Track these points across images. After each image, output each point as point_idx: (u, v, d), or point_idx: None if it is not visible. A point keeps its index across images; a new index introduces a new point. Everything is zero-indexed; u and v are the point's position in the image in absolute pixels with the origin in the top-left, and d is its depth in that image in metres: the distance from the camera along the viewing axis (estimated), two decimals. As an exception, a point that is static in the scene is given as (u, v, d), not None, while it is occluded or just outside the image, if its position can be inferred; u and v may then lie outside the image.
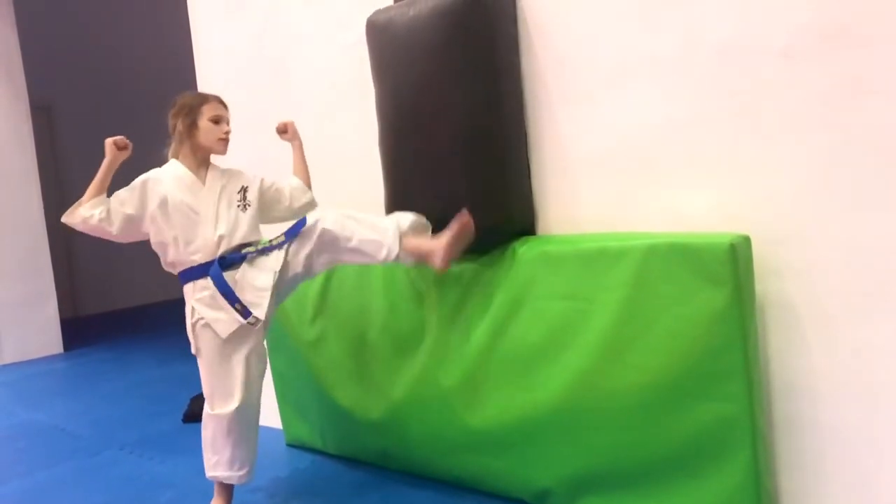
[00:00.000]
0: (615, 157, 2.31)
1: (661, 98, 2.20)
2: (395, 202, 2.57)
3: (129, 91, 8.10)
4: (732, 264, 1.91)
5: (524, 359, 2.34)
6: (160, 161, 2.54)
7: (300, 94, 3.16)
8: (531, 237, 2.45)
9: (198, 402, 3.86)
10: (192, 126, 2.44)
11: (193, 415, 3.77)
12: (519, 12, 2.45)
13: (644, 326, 2.07)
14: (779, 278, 2.01)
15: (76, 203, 2.42)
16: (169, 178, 2.45)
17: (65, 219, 2.43)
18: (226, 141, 2.49)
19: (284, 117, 2.76)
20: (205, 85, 3.55)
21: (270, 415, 3.44)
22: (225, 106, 2.52)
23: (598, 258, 2.17)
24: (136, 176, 2.51)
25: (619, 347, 2.12)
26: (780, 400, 2.05)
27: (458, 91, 2.36)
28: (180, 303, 2.70)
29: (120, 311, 7.90)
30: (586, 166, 2.38)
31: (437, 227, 2.39)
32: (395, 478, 2.78)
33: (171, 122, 2.47)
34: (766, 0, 1.98)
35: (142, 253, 8.18)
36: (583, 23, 2.32)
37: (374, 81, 2.58)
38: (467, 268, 2.50)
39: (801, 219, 1.98)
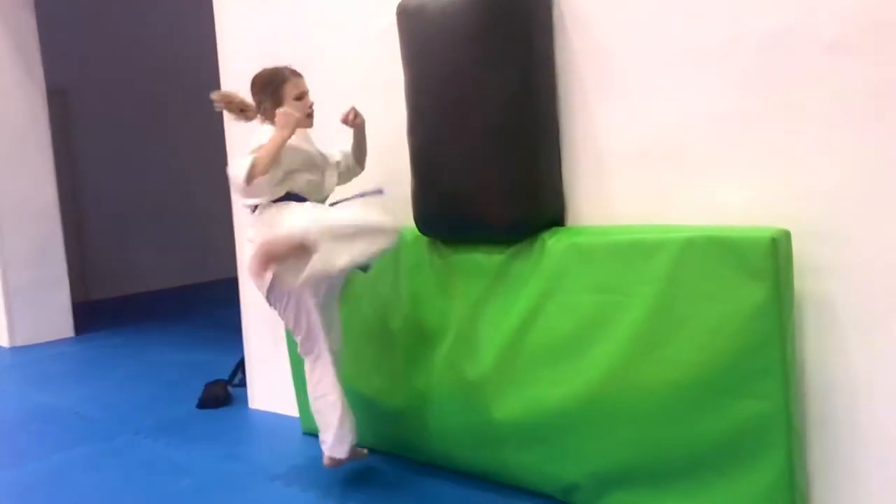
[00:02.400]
0: (651, 150, 2.28)
1: (701, 91, 2.16)
2: (423, 191, 2.54)
3: (146, 77, 8.07)
4: (773, 259, 1.88)
5: (553, 352, 2.31)
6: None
7: (327, 82, 3.10)
8: (560, 228, 2.42)
9: (212, 388, 3.85)
10: (279, 107, 2.47)
11: (208, 401, 3.76)
12: (554, 0, 2.41)
13: (680, 321, 2.04)
14: (818, 276, 1.98)
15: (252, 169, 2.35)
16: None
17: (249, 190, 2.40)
18: (312, 115, 2.59)
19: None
20: (229, 73, 3.51)
21: (287, 403, 3.43)
22: (301, 76, 2.58)
23: (632, 250, 2.14)
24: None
25: (654, 342, 2.09)
26: (815, 399, 2.02)
27: (491, 79, 2.33)
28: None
29: (131, 297, 7.88)
30: (620, 159, 2.35)
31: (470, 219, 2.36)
32: (415, 468, 2.76)
33: (254, 98, 2.57)
34: (813, -9, 1.94)
35: (153, 238, 8.23)
36: (621, 12, 2.28)
37: (405, 68, 2.55)
38: (495, 259, 2.47)
39: (843, 216, 1.95)
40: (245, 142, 2.55)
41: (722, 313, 1.96)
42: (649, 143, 2.28)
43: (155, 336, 5.74)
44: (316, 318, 2.54)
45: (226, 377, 4.03)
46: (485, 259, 2.50)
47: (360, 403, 2.84)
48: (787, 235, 1.93)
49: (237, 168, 2.35)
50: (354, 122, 2.69)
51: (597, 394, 2.20)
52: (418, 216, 2.59)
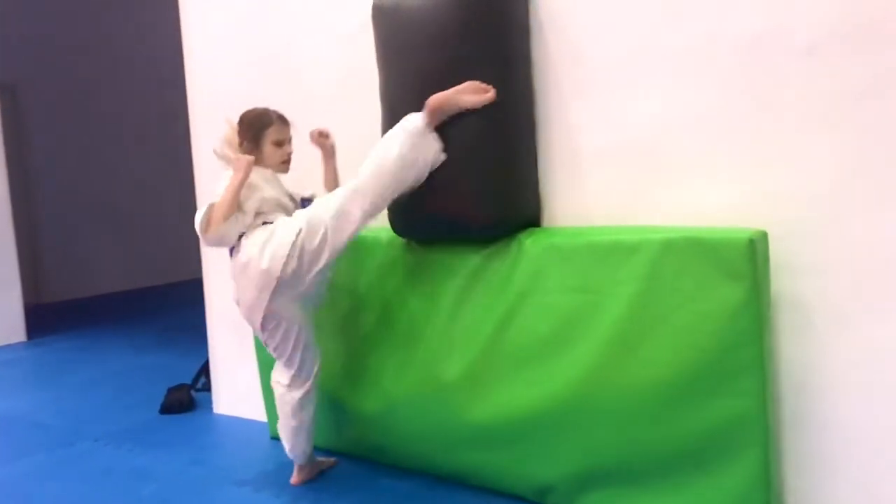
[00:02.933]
0: (628, 151, 2.29)
1: (678, 92, 2.18)
2: (398, 190, 2.51)
3: (102, 72, 7.86)
4: (751, 260, 1.90)
5: (530, 353, 2.30)
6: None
7: (299, 83, 3.06)
8: (538, 229, 2.42)
9: (175, 393, 3.75)
10: (257, 149, 2.52)
11: (171, 406, 3.66)
12: (531, 1, 2.41)
13: (658, 321, 2.05)
14: (792, 276, 2.01)
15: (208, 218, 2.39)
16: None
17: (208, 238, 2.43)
18: (287, 162, 2.61)
19: (283, 106, 2.68)
20: (195, 74, 3.43)
21: (254, 407, 3.36)
22: (287, 124, 2.60)
23: (610, 251, 2.15)
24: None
25: (632, 342, 2.09)
26: (789, 397, 2.05)
27: (469, 78, 2.30)
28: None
29: (89, 299, 7.66)
30: (597, 159, 2.35)
31: (445, 219, 2.34)
32: (387, 472, 2.72)
33: (238, 138, 2.57)
34: (789, -5, 1.97)
35: (112, 239, 8.00)
36: (598, 13, 2.29)
37: (379, 68, 2.52)
38: (471, 259, 2.45)
39: (818, 217, 1.98)
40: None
41: (700, 313, 1.98)
42: (626, 145, 2.29)
43: (114, 339, 5.59)
44: (311, 350, 2.56)
45: (189, 381, 3.93)
46: (460, 260, 2.48)
47: (330, 406, 2.79)
48: (764, 236, 1.95)
49: (196, 223, 2.39)
50: (321, 138, 2.68)
51: (574, 394, 2.20)
52: (393, 217, 2.56)
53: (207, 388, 3.85)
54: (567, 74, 2.37)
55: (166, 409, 3.66)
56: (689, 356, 2.00)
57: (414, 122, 2.32)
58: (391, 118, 2.48)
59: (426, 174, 2.35)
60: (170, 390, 3.78)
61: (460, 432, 2.45)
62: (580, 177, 2.39)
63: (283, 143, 2.56)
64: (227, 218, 2.35)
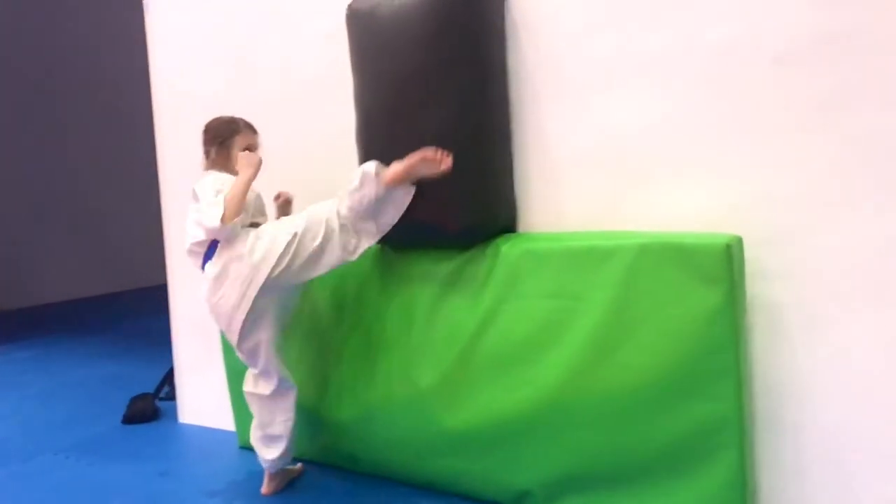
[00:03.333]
0: (602, 157, 2.31)
1: (652, 99, 2.21)
2: (373, 196, 2.49)
3: (54, 72, 7.64)
4: (727, 264, 1.93)
5: (507, 358, 2.30)
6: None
7: (267, 85, 3.02)
8: (514, 234, 2.42)
9: (138, 403, 3.65)
10: (226, 157, 2.53)
11: (134, 417, 3.57)
12: (507, 5, 2.41)
13: (634, 326, 2.07)
14: (765, 280, 2.05)
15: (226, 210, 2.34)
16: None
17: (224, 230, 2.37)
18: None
19: (249, 108, 2.65)
20: (160, 73, 3.36)
21: (221, 416, 3.29)
22: (256, 132, 2.61)
23: (586, 256, 2.16)
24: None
25: (608, 347, 2.11)
26: (762, 399, 2.08)
27: (445, 84, 2.31)
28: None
29: (37, 308, 7.43)
30: (572, 165, 2.37)
31: (422, 226, 2.33)
32: (360, 480, 2.69)
33: (203, 147, 2.58)
34: (761, 5, 2.01)
35: (68, 245, 7.76)
36: (574, 19, 2.31)
37: (354, 71, 2.50)
38: (446, 265, 2.45)
39: (789, 223, 2.02)
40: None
41: (677, 318, 2.00)
42: (600, 151, 2.31)
43: (72, 348, 5.43)
44: (281, 357, 2.56)
45: (152, 390, 3.84)
46: (435, 265, 2.47)
47: (302, 415, 2.74)
48: (739, 241, 1.99)
49: (210, 217, 2.33)
50: (279, 200, 2.72)
51: (552, 399, 2.20)
52: (367, 222, 2.53)
53: (171, 396, 3.76)
54: (542, 80, 2.38)
55: (129, 419, 3.56)
56: (666, 360, 2.02)
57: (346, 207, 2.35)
58: (366, 124, 2.47)
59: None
60: (132, 400, 3.69)
61: (436, 439, 2.43)
62: (555, 183, 2.40)
63: (251, 148, 2.55)
64: (239, 213, 2.34)
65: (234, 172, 2.47)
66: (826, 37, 1.92)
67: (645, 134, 2.23)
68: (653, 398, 2.06)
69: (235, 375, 3.07)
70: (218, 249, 2.40)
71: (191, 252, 2.49)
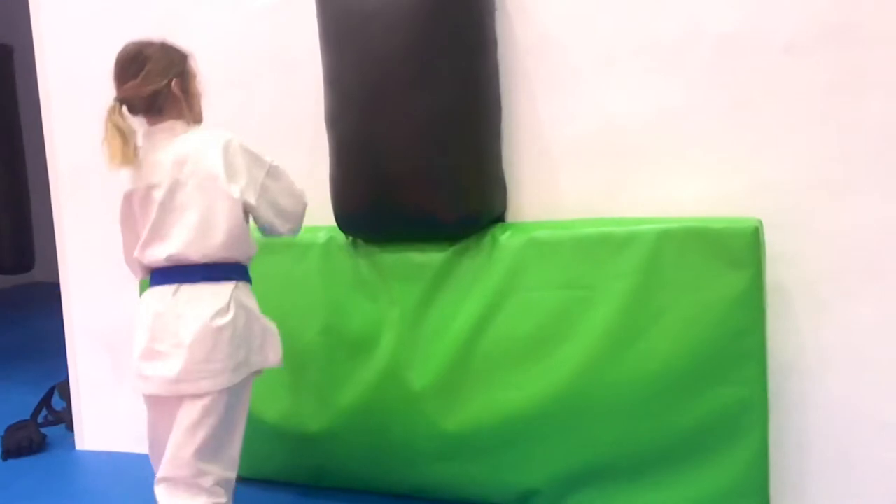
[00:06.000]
0: (599, 144, 2.25)
1: (653, 85, 2.18)
2: (350, 185, 2.26)
3: None
4: (756, 248, 1.95)
5: (512, 354, 2.18)
6: None
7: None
8: (510, 224, 2.30)
9: (17, 432, 3.09)
10: (188, 93, 1.88)
11: (15, 449, 3.01)
12: (497, -16, 2.28)
13: (655, 314, 2.04)
14: (773, 263, 2.09)
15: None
16: None
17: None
18: None
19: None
20: (46, 51, 2.84)
21: (131, 438, 2.88)
22: None
23: (600, 244, 2.10)
24: None
25: (628, 336, 2.06)
26: (771, 380, 2.13)
27: (438, 62, 2.13)
28: None
29: None
30: (567, 152, 2.29)
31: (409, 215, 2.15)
32: (338, 497, 2.45)
33: (157, 83, 1.80)
34: (769, -6, 2.05)
35: None
36: (568, 1, 2.23)
37: (329, 49, 2.24)
38: (435, 258, 2.27)
39: (794, 207, 2.08)
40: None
41: (701, 303, 1.99)
42: (597, 138, 2.25)
43: None
44: None
45: (28, 416, 3.26)
46: (422, 258, 2.29)
47: (263, 433, 2.44)
48: (761, 224, 2.01)
49: (298, 196, 1.95)
50: None
51: (565, 394, 2.12)
52: (342, 213, 2.30)
53: (56, 420, 3.24)
54: (535, 65, 2.29)
55: (10, 452, 3.00)
56: (690, 347, 2.01)
57: None
58: (345, 105, 2.22)
59: None
60: (9, 429, 3.11)
61: (434, 444, 2.26)
62: (548, 170, 2.32)
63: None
64: None
65: (195, 120, 1.89)
66: (836, 26, 1.99)
67: (644, 121, 2.20)
68: (675, 385, 2.04)
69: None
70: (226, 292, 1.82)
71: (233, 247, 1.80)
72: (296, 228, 1.98)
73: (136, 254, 1.86)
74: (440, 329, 2.25)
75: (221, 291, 1.79)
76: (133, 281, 2.71)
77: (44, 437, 3.12)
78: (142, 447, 2.81)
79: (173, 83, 1.82)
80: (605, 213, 2.25)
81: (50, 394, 3.33)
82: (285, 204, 1.90)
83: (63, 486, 2.72)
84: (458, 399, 2.23)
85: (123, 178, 1.85)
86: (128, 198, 1.88)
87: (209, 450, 1.80)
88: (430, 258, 2.28)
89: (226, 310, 1.77)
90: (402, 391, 2.27)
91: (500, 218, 2.34)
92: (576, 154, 2.28)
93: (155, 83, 1.79)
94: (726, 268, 1.97)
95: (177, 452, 1.78)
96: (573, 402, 2.12)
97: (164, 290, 1.79)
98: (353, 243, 2.38)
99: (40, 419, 3.27)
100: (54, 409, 3.32)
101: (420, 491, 2.36)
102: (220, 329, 1.75)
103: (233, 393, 1.81)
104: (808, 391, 2.12)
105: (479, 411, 2.21)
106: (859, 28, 1.98)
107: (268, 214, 1.85)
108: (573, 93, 2.26)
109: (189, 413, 1.77)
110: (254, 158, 1.82)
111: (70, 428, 3.17)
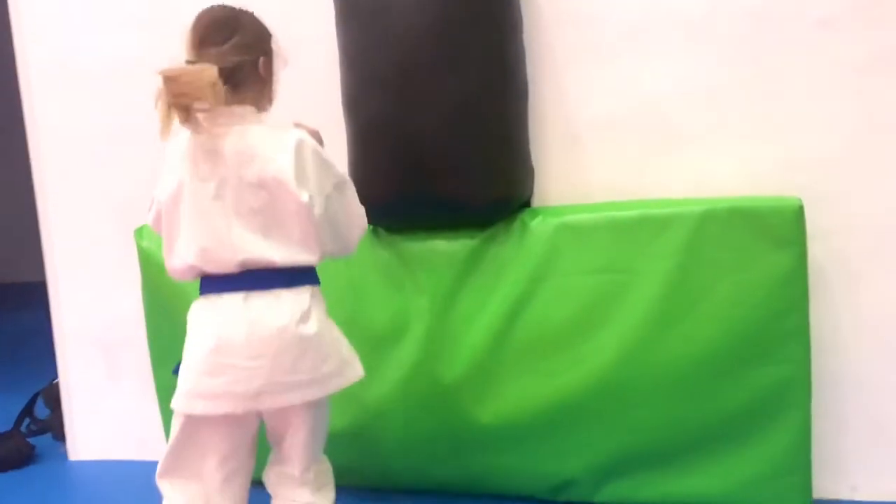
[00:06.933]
0: (629, 122, 2.20)
1: (684, 61, 2.14)
2: (374, 172, 2.16)
3: None
4: (801, 226, 1.93)
5: (549, 341, 2.12)
6: None
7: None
8: (540, 209, 2.23)
9: (2, 444, 2.89)
10: (271, 77, 1.70)
11: (5, 462, 2.83)
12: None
13: (699, 295, 2.01)
14: (808, 240, 2.08)
15: None
16: None
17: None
18: None
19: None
20: (24, 29, 2.65)
21: (129, 445, 2.79)
22: None
23: (639, 227, 2.05)
24: None
25: (670, 319, 2.02)
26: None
27: (469, 41, 2.05)
28: None
29: None
30: (595, 131, 2.24)
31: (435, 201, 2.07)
32: (364, 496, 2.36)
33: (243, 56, 1.61)
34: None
35: None
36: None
37: (348, 26, 2.14)
38: (463, 246, 2.20)
39: (829, 184, 2.07)
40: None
41: (745, 283, 1.97)
42: (626, 116, 2.20)
43: None
44: None
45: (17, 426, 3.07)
46: (449, 247, 2.21)
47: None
48: (801, 203, 1.99)
49: (358, 218, 1.78)
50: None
51: (603, 380, 2.07)
52: (363, 201, 2.19)
53: (41, 430, 3.06)
54: (560, 41, 2.22)
55: (-3, 464, 2.82)
56: (734, 328, 1.99)
57: None
58: (366, 87, 2.13)
59: None
60: (-4, 439, 2.92)
61: (466, 437, 2.19)
62: (575, 152, 2.26)
63: None
64: None
65: (271, 98, 1.72)
66: (871, 1, 1.98)
67: (674, 97, 2.16)
68: (717, 368, 2.01)
69: (168, 395, 2.54)
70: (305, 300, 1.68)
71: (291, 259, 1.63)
72: (348, 249, 1.79)
73: (191, 259, 1.62)
74: (471, 319, 2.18)
75: (300, 297, 1.64)
76: (127, 276, 2.57)
77: (32, 447, 2.94)
78: (142, 454, 2.71)
79: (261, 61, 1.64)
80: (634, 195, 2.21)
81: (33, 401, 3.13)
82: (343, 222, 1.72)
83: (61, 499, 2.56)
84: (492, 389, 2.16)
85: (168, 170, 1.65)
86: (176, 193, 1.63)
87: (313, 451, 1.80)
88: (458, 245, 2.20)
89: (307, 315, 1.63)
90: (432, 384, 2.19)
91: (527, 203, 2.27)
92: (603, 134, 2.23)
93: (241, 55, 1.59)
94: (770, 247, 1.95)
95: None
96: (612, 388, 2.07)
97: (231, 299, 1.61)
98: (374, 231, 2.28)
99: (23, 429, 3.08)
100: (37, 418, 3.13)
101: (453, 486, 2.29)
102: (306, 337, 1.62)
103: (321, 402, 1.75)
104: (845, 369, 2.12)
105: (513, 401, 2.15)
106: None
107: (324, 230, 1.66)
108: (599, 71, 2.21)
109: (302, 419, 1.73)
110: (325, 166, 1.64)
111: (58, 437, 3.00)
